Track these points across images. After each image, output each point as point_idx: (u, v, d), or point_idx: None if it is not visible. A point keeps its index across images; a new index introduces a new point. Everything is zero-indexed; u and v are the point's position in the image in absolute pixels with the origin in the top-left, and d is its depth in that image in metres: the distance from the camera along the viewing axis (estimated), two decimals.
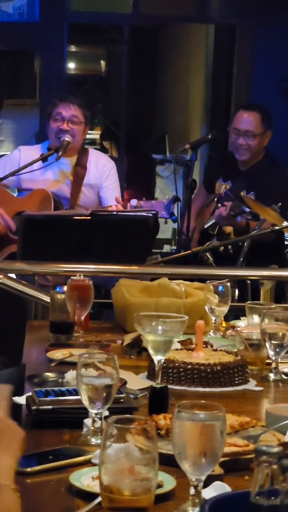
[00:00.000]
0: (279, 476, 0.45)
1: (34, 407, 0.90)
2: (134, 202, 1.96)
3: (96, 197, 2.37)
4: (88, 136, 3.08)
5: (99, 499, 0.62)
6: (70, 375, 1.00)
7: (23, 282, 1.78)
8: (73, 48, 5.24)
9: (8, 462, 0.59)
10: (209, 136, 2.63)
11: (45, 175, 2.35)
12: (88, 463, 0.74)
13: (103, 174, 2.38)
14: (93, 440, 0.83)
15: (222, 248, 2.25)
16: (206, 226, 2.44)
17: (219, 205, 2.41)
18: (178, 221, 2.21)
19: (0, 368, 1.20)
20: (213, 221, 2.36)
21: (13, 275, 1.72)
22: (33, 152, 2.36)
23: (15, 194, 2.45)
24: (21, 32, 3.64)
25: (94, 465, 0.70)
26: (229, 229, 2.29)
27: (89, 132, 2.74)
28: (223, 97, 4.35)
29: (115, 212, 2.01)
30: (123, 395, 0.94)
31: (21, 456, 0.62)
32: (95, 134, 4.79)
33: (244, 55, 3.81)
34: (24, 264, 1.75)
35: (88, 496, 0.64)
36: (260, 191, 2.37)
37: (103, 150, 3.98)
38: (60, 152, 2.24)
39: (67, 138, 2.27)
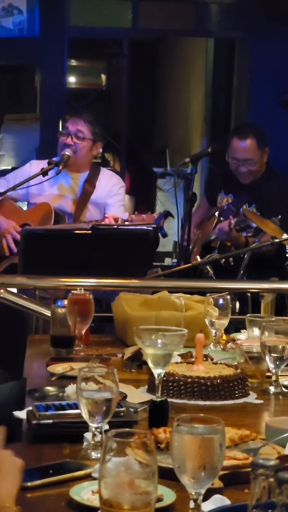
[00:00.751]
0: (275, 489, 0.46)
1: (35, 421, 0.91)
2: (125, 215, 1.99)
3: (101, 216, 2.35)
4: None
5: None
6: (71, 389, 1.01)
7: (24, 296, 1.79)
8: (73, 63, 5.29)
9: (9, 489, 0.61)
10: (209, 150, 2.63)
11: (52, 190, 2.39)
12: (88, 477, 0.74)
13: (110, 193, 2.39)
14: (93, 454, 0.83)
15: (223, 260, 2.27)
16: (208, 240, 2.47)
17: (221, 218, 2.43)
18: (167, 235, 2.23)
19: (1, 382, 1.21)
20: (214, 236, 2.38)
21: (13, 289, 1.74)
22: (43, 166, 2.35)
23: (25, 208, 2.50)
24: (21, 47, 3.69)
25: (94, 479, 0.70)
26: (242, 240, 2.31)
27: None
28: (223, 110, 4.39)
29: (115, 226, 2.01)
30: (123, 409, 0.94)
31: (20, 485, 0.63)
32: None
33: (244, 68, 3.86)
34: (25, 278, 1.76)
35: (88, 511, 0.64)
36: (261, 204, 2.40)
37: (105, 162, 4.02)
38: (61, 166, 2.27)
39: (68, 152, 2.30)
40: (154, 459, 0.60)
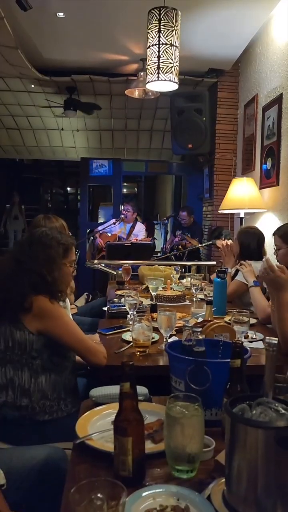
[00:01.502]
0: (191, 334, 1.37)
1: (110, 307, 2.69)
2: (140, 237, 4.33)
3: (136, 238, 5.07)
4: None
5: (131, 344, 2.03)
6: (125, 300, 2.83)
7: (109, 267, 3.87)
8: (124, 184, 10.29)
9: None
10: (173, 215, 6.75)
11: (118, 229, 5.25)
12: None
13: (139, 231, 5.00)
14: (130, 322, 2.55)
15: (178, 254, 4.78)
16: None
17: (176, 239, 5.58)
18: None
19: (98, 297, 3.10)
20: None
21: (103, 265, 3.78)
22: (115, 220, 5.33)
23: (109, 234, 5.24)
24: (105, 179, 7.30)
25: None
26: (182, 244, 4.93)
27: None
28: (177, 200, 9.00)
29: (139, 241, 4.40)
30: (141, 306, 2.73)
31: None
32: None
33: (185, 185, 8.05)
34: (107, 260, 3.89)
35: None
36: (191, 233, 5.59)
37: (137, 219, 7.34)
38: (119, 221, 5.13)
39: (122, 216, 5.07)
40: (151, 324, 1.88)
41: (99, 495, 0.79)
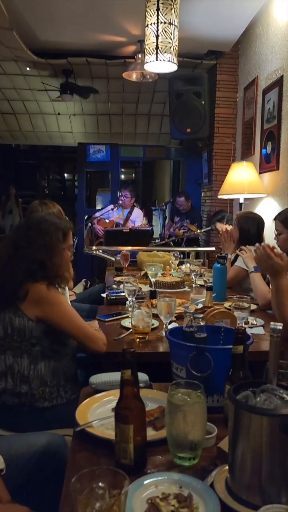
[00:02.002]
0: (192, 320, 1.33)
1: (109, 294, 2.67)
2: (137, 223, 4.20)
3: (133, 225, 5.02)
4: None
5: (130, 330, 2.05)
6: (124, 286, 2.80)
7: (107, 253, 3.79)
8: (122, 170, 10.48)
9: None
10: (170, 200, 6.33)
11: (116, 215, 5.20)
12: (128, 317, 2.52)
13: (137, 218, 4.91)
14: (129, 309, 2.58)
15: (177, 240, 4.82)
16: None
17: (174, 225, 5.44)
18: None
19: (96, 283, 3.08)
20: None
21: (101, 251, 3.72)
22: (113, 206, 5.28)
23: (107, 221, 5.19)
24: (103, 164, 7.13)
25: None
26: (180, 233, 4.84)
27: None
28: (176, 185, 8.74)
29: (137, 228, 4.26)
30: (140, 293, 2.71)
31: None
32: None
33: (183, 171, 7.85)
34: (105, 246, 3.81)
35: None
36: (190, 219, 5.40)
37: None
38: (116, 207, 5.15)
39: (120, 202, 5.01)
40: (150, 311, 1.84)
41: (100, 484, 0.77)
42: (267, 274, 2.60)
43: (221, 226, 3.74)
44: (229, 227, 3.23)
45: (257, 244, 1.93)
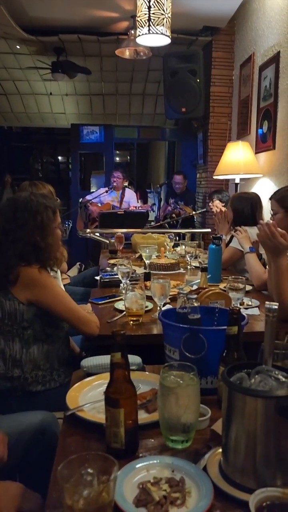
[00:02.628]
0: (186, 302, 1.29)
1: (102, 277, 2.63)
2: (132, 204, 4.49)
3: (128, 206, 5.00)
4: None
5: (124, 313, 2.05)
6: (117, 268, 2.76)
7: (102, 236, 3.77)
8: (117, 153, 10.32)
9: None
10: (166, 182, 6.18)
11: (110, 198, 5.15)
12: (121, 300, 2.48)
13: (130, 198, 4.93)
14: (123, 291, 2.53)
15: (172, 222, 4.81)
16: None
17: (169, 207, 5.37)
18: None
19: (91, 266, 3.03)
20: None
21: (97, 234, 3.68)
22: (106, 189, 5.13)
23: (100, 205, 5.13)
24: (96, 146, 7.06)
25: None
26: (175, 214, 4.88)
27: None
28: (171, 166, 8.39)
29: (132, 209, 4.27)
30: (134, 275, 2.67)
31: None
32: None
33: (178, 152, 7.49)
34: (101, 229, 3.75)
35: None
36: (185, 200, 5.37)
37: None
38: (112, 189, 5.06)
39: (115, 184, 4.90)
40: (144, 293, 1.82)
41: (89, 470, 0.74)
42: (262, 255, 2.56)
43: (217, 205, 3.68)
44: (224, 209, 3.18)
45: (261, 221, 1.88)
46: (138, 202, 5.40)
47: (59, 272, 2.23)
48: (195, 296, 1.28)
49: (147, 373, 1.33)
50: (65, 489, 0.69)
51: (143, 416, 1.08)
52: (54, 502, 0.80)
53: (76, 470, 0.74)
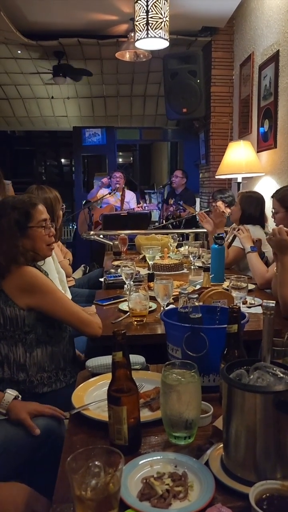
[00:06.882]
0: (187, 301, 1.32)
1: (107, 278, 2.67)
2: (131, 205, 4.61)
3: (128, 207, 5.05)
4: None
5: (128, 314, 1.96)
6: (121, 270, 2.79)
7: (105, 237, 3.84)
8: (120, 154, 10.90)
9: None
10: (168, 182, 5.81)
11: (114, 199, 5.18)
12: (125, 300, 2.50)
13: (131, 199, 4.96)
14: (127, 292, 2.57)
15: (175, 223, 4.87)
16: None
17: (171, 208, 5.33)
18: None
19: (95, 268, 3.06)
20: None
21: (101, 236, 3.73)
22: (108, 192, 5.19)
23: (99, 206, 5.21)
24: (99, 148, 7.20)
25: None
26: (176, 215, 4.89)
27: None
28: (173, 166, 8.63)
29: (137, 210, 4.37)
30: (138, 276, 2.70)
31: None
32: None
33: (181, 152, 7.81)
34: (105, 231, 3.82)
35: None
36: (184, 200, 5.32)
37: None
38: (114, 191, 5.07)
39: (117, 185, 4.91)
40: (147, 293, 1.83)
41: (96, 462, 0.77)
42: (265, 253, 2.58)
43: (220, 207, 3.70)
44: (228, 210, 3.19)
45: (273, 228, 1.91)
46: (140, 202, 5.40)
47: (54, 255, 2.23)
48: (195, 295, 1.30)
49: (150, 372, 1.35)
50: (74, 480, 0.72)
51: (147, 414, 1.10)
52: (60, 497, 0.83)
53: (84, 462, 0.76)
